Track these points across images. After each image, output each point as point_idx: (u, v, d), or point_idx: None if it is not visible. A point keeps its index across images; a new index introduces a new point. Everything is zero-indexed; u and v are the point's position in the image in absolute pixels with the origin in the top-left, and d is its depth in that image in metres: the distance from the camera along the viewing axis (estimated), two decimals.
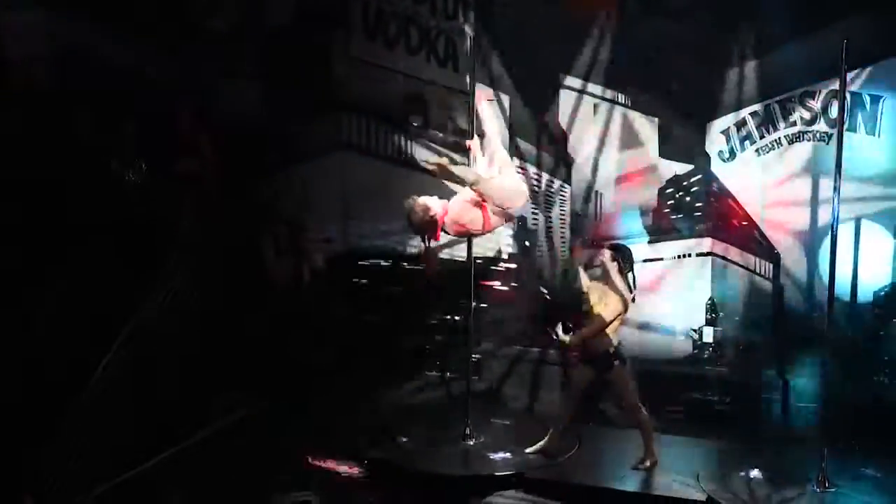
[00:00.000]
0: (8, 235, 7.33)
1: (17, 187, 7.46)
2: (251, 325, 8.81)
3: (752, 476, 7.19)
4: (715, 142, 8.61)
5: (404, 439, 7.86)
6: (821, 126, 8.25)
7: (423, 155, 9.24)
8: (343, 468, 7.48)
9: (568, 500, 6.97)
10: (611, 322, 7.07)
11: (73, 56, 8.22)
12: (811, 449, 7.12)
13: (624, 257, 7.14)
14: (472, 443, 7.72)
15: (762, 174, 8.52)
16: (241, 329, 8.65)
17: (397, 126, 9.48)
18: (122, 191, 8.39)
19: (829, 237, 7.02)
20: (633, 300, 7.16)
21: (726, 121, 8.56)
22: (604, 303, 7.09)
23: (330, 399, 8.75)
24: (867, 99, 8.08)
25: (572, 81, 8.95)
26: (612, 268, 7.09)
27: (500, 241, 9.25)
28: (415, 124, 9.41)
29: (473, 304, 7.84)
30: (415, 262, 9.32)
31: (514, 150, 9.08)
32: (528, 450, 7.52)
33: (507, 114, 9.15)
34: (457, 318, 8.69)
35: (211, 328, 8.26)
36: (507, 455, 7.52)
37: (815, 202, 8.30)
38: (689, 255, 8.73)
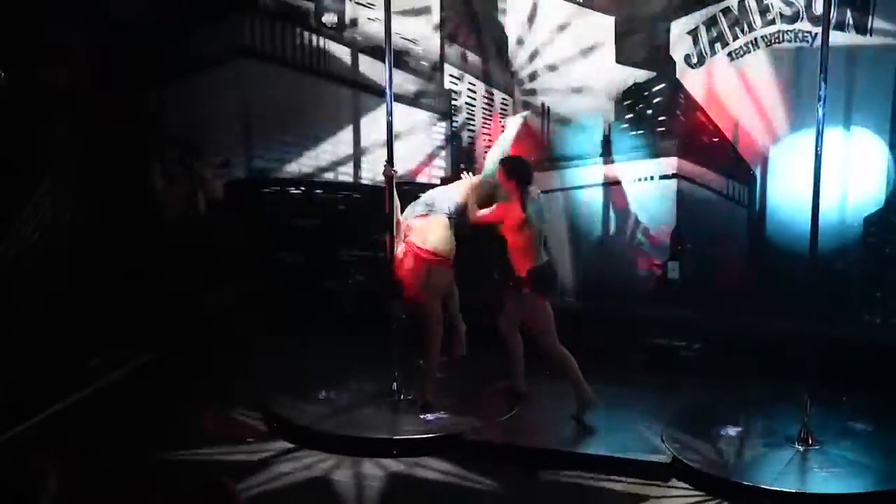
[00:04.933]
0: None
1: None
2: (137, 264, 8.55)
3: (723, 433, 6.95)
4: (680, 44, 8.13)
5: (322, 395, 7.61)
6: (804, 25, 7.75)
7: (339, 61, 8.95)
8: (247, 429, 7.19)
9: (512, 462, 6.78)
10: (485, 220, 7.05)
11: None
12: (793, 402, 6.84)
13: (512, 170, 6.99)
14: (400, 399, 7.44)
15: (736, 82, 8.05)
16: (125, 269, 8.40)
17: (307, 27, 9.01)
18: None
19: (812, 154, 6.50)
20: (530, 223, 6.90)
21: (694, 19, 8.05)
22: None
23: (232, 349, 8.53)
24: None
25: None
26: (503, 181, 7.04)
27: (433, 164, 8.94)
28: (328, 25, 8.89)
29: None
30: (330, 190, 9.08)
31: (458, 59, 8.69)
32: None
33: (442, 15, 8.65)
34: (379, 254, 8.23)
35: (88, 267, 8.05)
36: (442, 414, 7.23)
37: (797, 115, 7.86)
38: (652, 178, 8.34)
